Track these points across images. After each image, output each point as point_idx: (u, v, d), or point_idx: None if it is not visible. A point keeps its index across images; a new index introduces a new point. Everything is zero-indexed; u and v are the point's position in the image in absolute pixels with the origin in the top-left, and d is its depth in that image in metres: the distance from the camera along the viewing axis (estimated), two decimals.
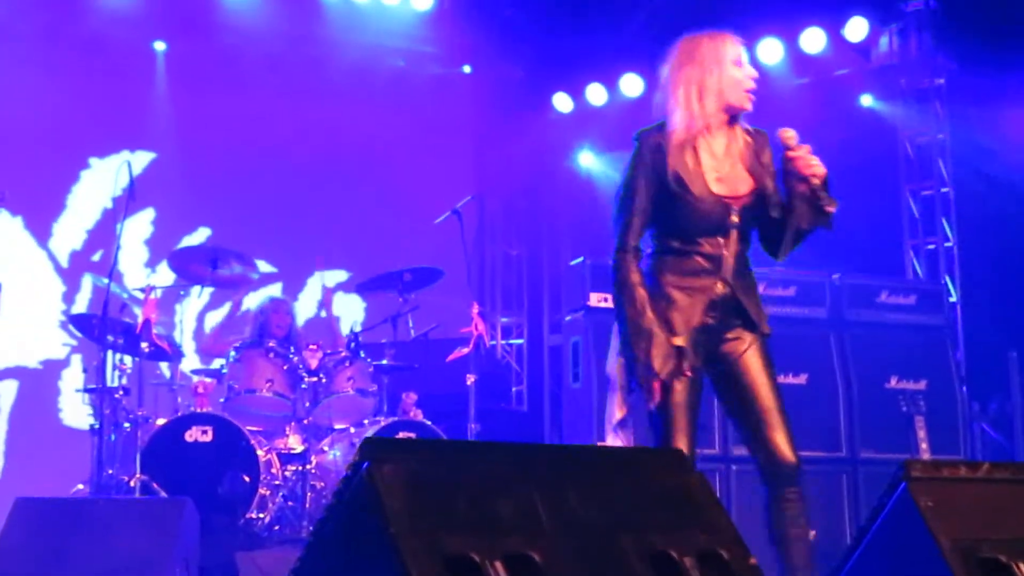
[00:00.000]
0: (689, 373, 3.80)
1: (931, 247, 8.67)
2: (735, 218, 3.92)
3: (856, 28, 8.70)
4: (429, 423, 6.92)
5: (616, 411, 4.26)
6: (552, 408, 9.51)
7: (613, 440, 4.27)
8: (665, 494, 2.33)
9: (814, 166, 3.90)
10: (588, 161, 10.49)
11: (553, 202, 10.59)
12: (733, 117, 3.98)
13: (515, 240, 10.79)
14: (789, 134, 3.91)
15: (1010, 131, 8.51)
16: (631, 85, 9.68)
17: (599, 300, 6.79)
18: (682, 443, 3.79)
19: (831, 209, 3.95)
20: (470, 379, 7.00)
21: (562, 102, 10.19)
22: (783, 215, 3.96)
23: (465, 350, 7.03)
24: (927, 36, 8.70)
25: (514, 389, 10.18)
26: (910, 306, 7.43)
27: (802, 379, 6.98)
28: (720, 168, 3.93)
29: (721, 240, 3.91)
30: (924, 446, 6.42)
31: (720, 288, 3.91)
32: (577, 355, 6.88)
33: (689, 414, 3.84)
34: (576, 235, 10.13)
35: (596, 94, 9.93)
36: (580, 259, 7.00)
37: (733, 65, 3.98)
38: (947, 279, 8.40)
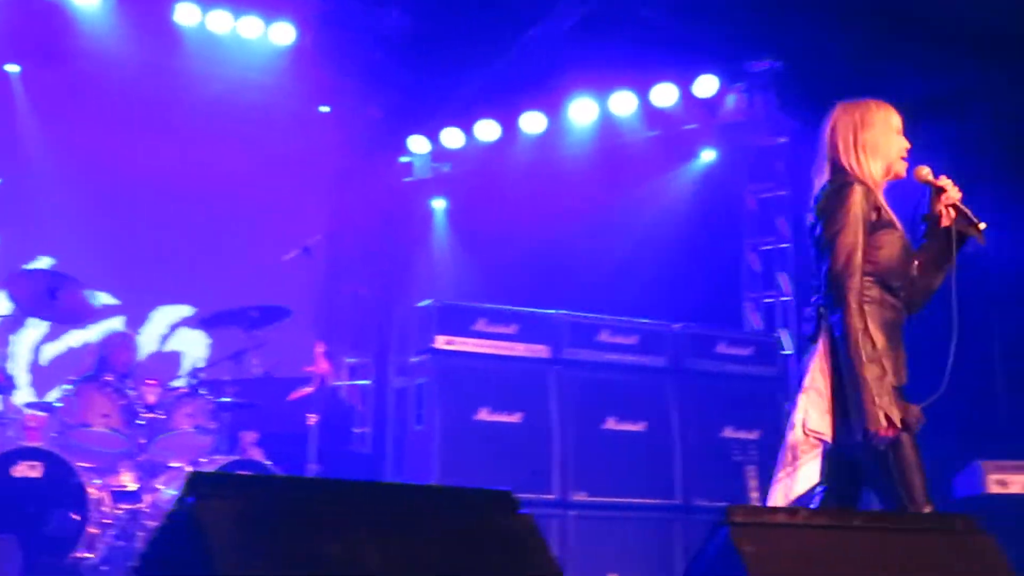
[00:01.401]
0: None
1: (769, 300, 8.91)
2: (915, 270, 4.09)
3: (705, 85, 8.94)
4: (268, 463, 6.83)
5: (823, 429, 4.13)
6: (395, 451, 9.46)
7: (810, 454, 4.15)
8: (494, 536, 2.35)
9: (958, 191, 4.11)
10: (441, 204, 10.54)
11: (405, 243, 10.59)
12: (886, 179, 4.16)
13: (366, 280, 10.74)
14: (927, 170, 4.13)
15: None
16: (487, 130, 9.77)
17: (445, 342, 6.82)
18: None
19: (983, 224, 4.10)
20: (312, 419, 6.93)
21: (418, 144, 10.23)
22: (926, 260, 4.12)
23: (308, 389, 6.97)
24: (772, 96, 8.98)
25: (357, 430, 10.10)
26: (747, 357, 7.63)
27: (641, 426, 7.10)
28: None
29: (905, 292, 4.04)
30: (755, 495, 6.57)
31: (902, 339, 4.02)
32: (422, 397, 6.88)
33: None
34: (426, 277, 10.15)
35: (452, 137, 9.99)
36: (428, 301, 7.01)
37: (898, 134, 4.15)
38: (783, 332, 8.64)
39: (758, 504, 6.55)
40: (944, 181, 4.11)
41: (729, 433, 7.30)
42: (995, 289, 9.66)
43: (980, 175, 9.40)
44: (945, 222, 4.07)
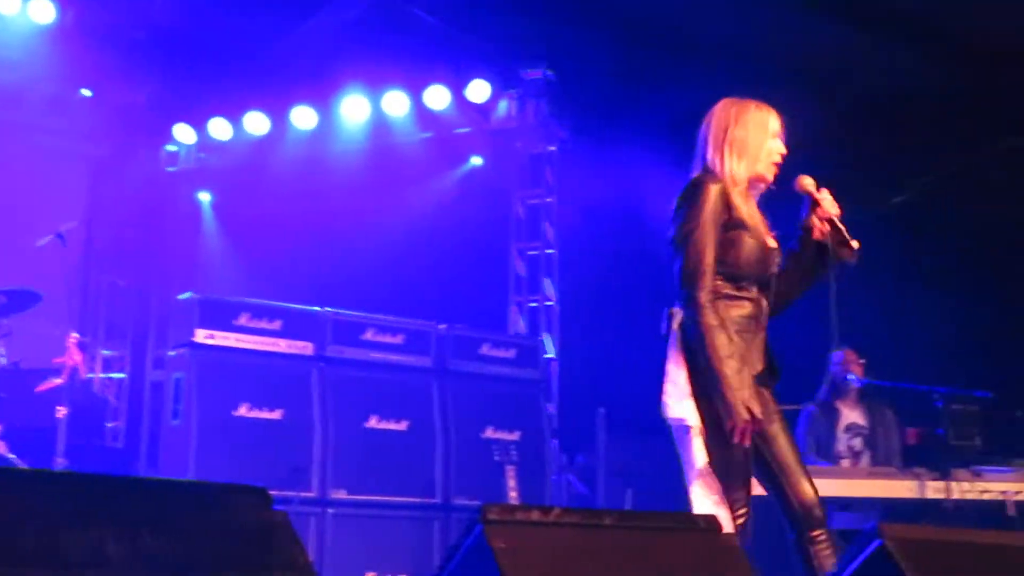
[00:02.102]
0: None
1: (534, 304, 9.06)
2: (775, 269, 4.11)
3: (478, 90, 9.02)
4: (13, 456, 6.53)
5: (701, 455, 4.10)
6: (150, 446, 9.19)
7: (703, 486, 4.09)
8: (245, 532, 2.30)
9: (835, 207, 4.14)
10: (207, 196, 10.30)
11: (166, 234, 10.31)
12: (757, 182, 4.16)
13: (124, 270, 10.40)
14: (809, 181, 4.17)
15: (612, 199, 9.06)
16: (256, 123, 9.60)
17: (206, 336, 6.67)
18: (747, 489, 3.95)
19: (855, 243, 4.14)
20: (61, 412, 6.66)
21: (184, 133, 9.97)
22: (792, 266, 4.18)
23: (58, 381, 6.70)
24: (543, 104, 9.14)
25: (110, 424, 9.78)
26: (510, 360, 7.74)
27: (403, 425, 7.11)
28: (761, 221, 4.11)
29: (762, 291, 4.07)
30: (514, 495, 6.66)
31: (763, 337, 4.07)
32: (179, 392, 6.70)
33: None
34: (187, 269, 9.91)
35: (220, 128, 9.78)
36: (189, 294, 6.85)
37: (773, 137, 4.16)
38: (546, 336, 8.79)
39: (517, 504, 6.65)
40: (823, 195, 4.14)
41: (490, 434, 7.38)
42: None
43: None
44: (816, 235, 4.13)
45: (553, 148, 9.21)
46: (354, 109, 9.30)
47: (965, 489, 7.14)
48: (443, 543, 7.01)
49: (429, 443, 7.18)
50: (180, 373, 6.72)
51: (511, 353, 7.78)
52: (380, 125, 9.36)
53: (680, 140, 9.46)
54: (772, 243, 4.11)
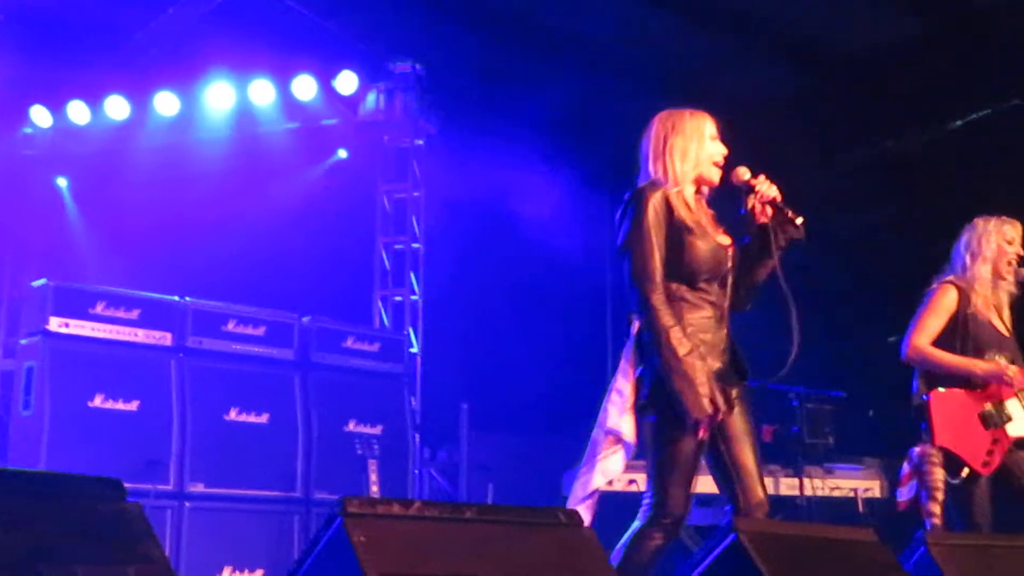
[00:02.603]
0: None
1: (398, 299, 9.03)
2: (731, 264, 4.18)
3: (346, 82, 8.94)
4: None
5: (623, 428, 4.09)
6: None
7: (609, 450, 4.09)
8: (98, 524, 2.25)
9: (773, 187, 4.21)
10: (63, 181, 10.03)
11: (22, 219, 10.00)
12: (700, 185, 4.24)
13: None
14: (743, 170, 4.23)
15: (479, 195, 9.09)
16: (117, 108, 9.37)
17: (60, 325, 6.50)
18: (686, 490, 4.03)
19: (800, 219, 4.20)
20: None
21: (40, 116, 9.68)
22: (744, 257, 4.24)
23: None
24: (412, 98, 9.10)
25: None
26: (374, 353, 7.71)
27: (264, 418, 7.03)
28: (711, 221, 4.19)
29: (720, 289, 4.16)
30: (375, 489, 6.64)
31: (724, 335, 4.15)
32: (31, 381, 6.52)
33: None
34: (43, 256, 9.63)
35: (79, 112, 9.51)
36: (43, 281, 6.66)
37: (710, 140, 4.25)
38: (411, 330, 8.78)
39: (377, 497, 6.63)
40: (758, 180, 4.24)
41: (353, 427, 7.34)
42: (608, 305, 10.21)
43: (600, 177, 9.93)
44: (760, 219, 4.22)
45: (420, 142, 9.18)
46: (219, 97, 9.14)
47: (818, 486, 7.34)
48: (303, 537, 6.95)
49: (290, 436, 7.11)
50: (32, 362, 6.53)
51: (375, 347, 7.75)
52: (245, 114, 9.21)
53: (547, 137, 9.59)
54: (725, 240, 4.22)
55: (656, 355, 3.97)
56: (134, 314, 6.76)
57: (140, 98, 9.31)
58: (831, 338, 8.86)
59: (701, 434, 3.97)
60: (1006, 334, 5.48)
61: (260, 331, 7.22)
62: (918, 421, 5.45)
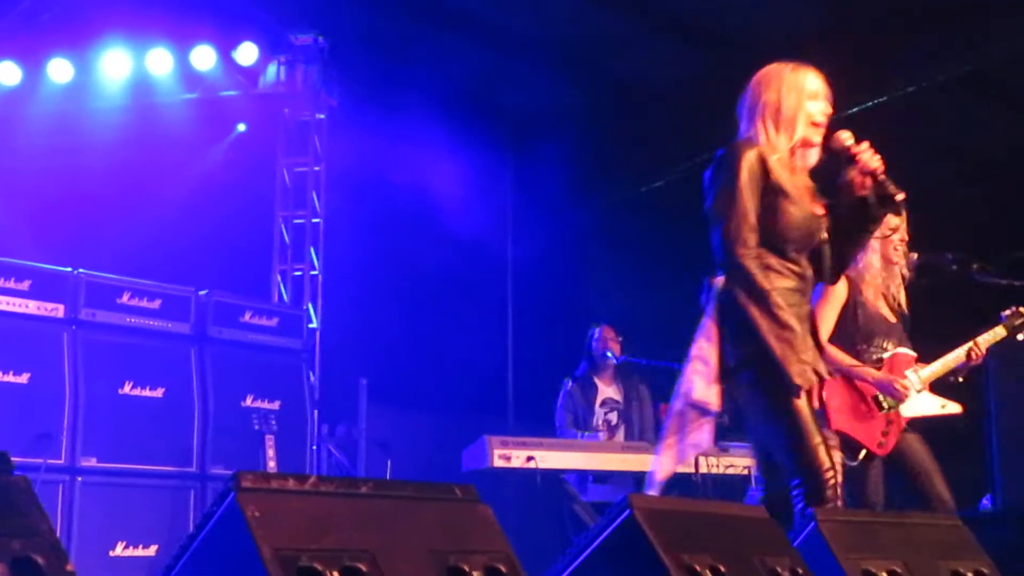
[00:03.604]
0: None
1: (298, 273, 8.96)
2: (824, 235, 3.98)
3: (246, 53, 8.81)
4: None
5: (710, 398, 3.90)
6: None
7: (697, 423, 3.90)
8: None
9: (876, 159, 3.95)
10: None
11: None
12: (801, 149, 3.99)
13: None
14: (846, 135, 3.99)
15: (381, 170, 9.05)
16: (7, 73, 9.10)
17: None
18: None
19: (901, 195, 3.94)
20: None
21: None
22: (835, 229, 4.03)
23: None
24: (313, 71, 9.01)
25: None
26: (272, 328, 7.64)
27: (159, 392, 6.93)
28: (806, 188, 3.95)
29: (808, 261, 3.97)
30: (272, 464, 6.60)
31: (808, 311, 3.95)
32: None
33: None
34: None
35: None
36: None
37: (810, 98, 3.99)
38: (310, 305, 8.72)
39: (283, 472, 6.59)
40: (861, 148, 4.00)
41: (250, 402, 7.27)
42: (508, 282, 10.26)
43: (502, 152, 9.95)
44: (859, 191, 3.98)
45: (322, 116, 9.11)
46: (115, 65, 8.94)
47: (712, 464, 7.46)
48: (199, 513, 6.87)
49: (186, 411, 7.01)
50: None
51: (273, 322, 7.68)
52: (142, 83, 9.03)
53: (449, 112, 9.55)
54: (819, 211, 4.00)
55: (750, 319, 3.77)
56: (24, 285, 6.61)
57: (32, 64, 9.07)
58: None
59: (816, 401, 3.84)
60: (893, 320, 5.61)
61: (156, 304, 7.10)
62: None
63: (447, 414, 8.86)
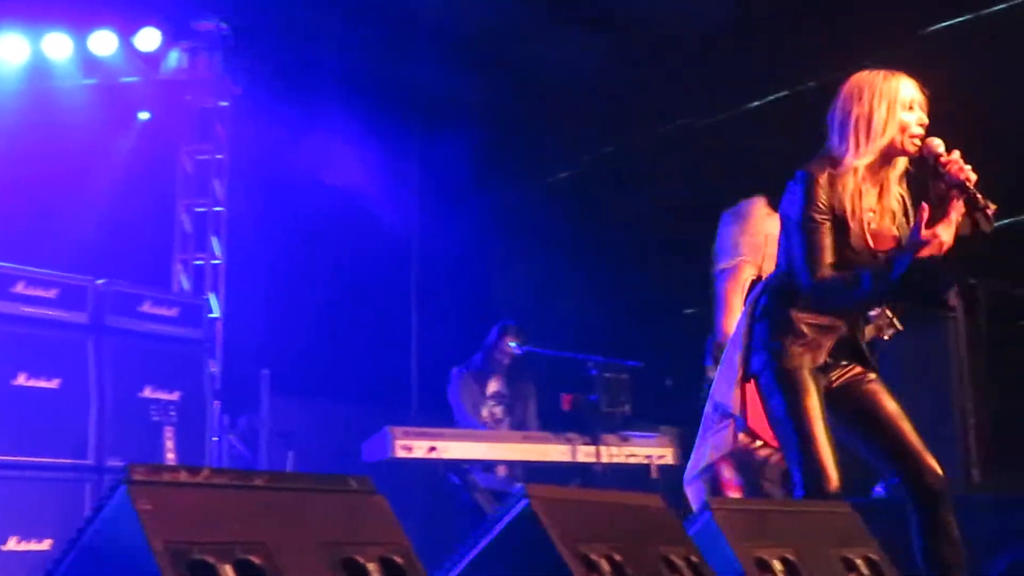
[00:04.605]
0: None
1: (200, 263, 8.85)
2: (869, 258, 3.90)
3: (147, 39, 8.67)
4: None
5: (729, 401, 3.94)
6: None
7: (719, 425, 3.93)
8: None
9: (968, 170, 3.78)
10: None
11: None
12: (893, 159, 3.88)
13: None
14: (937, 142, 3.81)
15: (285, 158, 8.98)
16: None
17: None
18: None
19: (992, 210, 3.80)
20: None
21: None
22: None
23: None
24: (217, 58, 8.90)
25: None
26: (172, 318, 7.52)
27: (54, 383, 6.79)
28: (875, 218, 3.87)
29: None
30: (171, 456, 6.51)
31: (844, 330, 3.94)
32: None
33: None
34: None
35: None
36: None
37: (904, 108, 3.85)
38: (211, 295, 8.62)
39: (175, 464, 6.51)
40: (952, 159, 3.82)
41: (149, 393, 7.17)
42: (413, 272, 10.24)
43: (407, 142, 9.92)
44: (949, 204, 3.76)
45: (225, 103, 9.01)
46: (10, 49, 8.73)
47: (614, 453, 7.53)
48: (95, 506, 6.75)
49: (82, 402, 6.89)
50: None
51: (174, 311, 7.57)
52: (39, 68, 8.83)
53: (354, 101, 9.50)
54: (889, 228, 3.92)
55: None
56: None
57: None
58: (630, 309, 9.09)
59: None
60: None
61: (52, 293, 6.96)
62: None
63: (351, 405, 8.82)
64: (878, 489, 7.06)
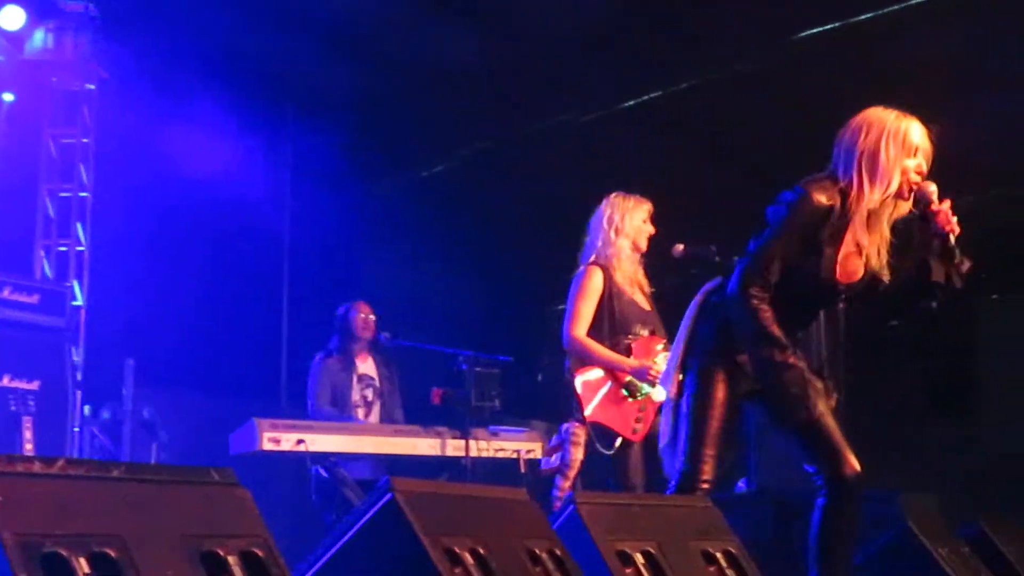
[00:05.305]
0: None
1: (63, 249, 8.63)
2: (841, 304, 4.04)
3: (11, 17, 8.41)
4: None
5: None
6: None
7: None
8: None
9: (953, 223, 3.81)
10: None
11: None
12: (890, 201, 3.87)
13: None
14: (932, 188, 3.83)
15: (153, 143, 8.80)
16: None
17: None
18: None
19: (966, 267, 3.85)
20: None
21: None
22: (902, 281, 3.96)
23: None
24: (84, 39, 8.68)
25: None
26: (32, 305, 7.35)
27: None
28: (853, 252, 3.90)
29: (821, 313, 4.02)
30: (30, 447, 6.35)
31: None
32: None
33: None
34: None
35: None
36: None
37: (911, 155, 3.86)
38: (75, 282, 8.41)
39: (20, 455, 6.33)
40: (941, 207, 3.86)
41: (7, 382, 6.98)
42: (285, 262, 10.13)
43: (279, 129, 9.82)
44: (927, 250, 3.90)
45: (92, 87, 8.78)
46: None
47: (483, 447, 7.55)
48: None
49: None
50: None
51: (34, 299, 7.38)
52: None
53: (226, 87, 9.35)
54: (857, 266, 3.93)
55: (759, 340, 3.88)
56: None
57: None
58: (501, 303, 9.13)
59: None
60: (647, 308, 5.80)
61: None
62: (569, 398, 5.72)
63: (218, 396, 8.69)
64: (740, 484, 7.21)
